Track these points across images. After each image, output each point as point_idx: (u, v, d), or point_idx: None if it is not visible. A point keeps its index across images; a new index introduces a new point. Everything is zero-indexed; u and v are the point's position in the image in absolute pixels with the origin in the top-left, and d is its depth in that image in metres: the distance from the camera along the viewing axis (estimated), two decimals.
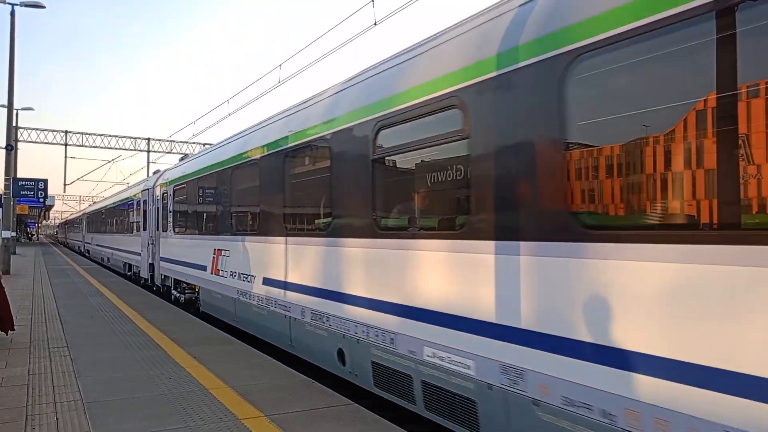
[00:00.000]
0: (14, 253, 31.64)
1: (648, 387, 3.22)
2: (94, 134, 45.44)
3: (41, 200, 26.49)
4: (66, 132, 44.66)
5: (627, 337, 3.33)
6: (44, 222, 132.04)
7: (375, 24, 11.65)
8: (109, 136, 45.77)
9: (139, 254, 18.56)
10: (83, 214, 45.44)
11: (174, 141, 47.20)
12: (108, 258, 28.10)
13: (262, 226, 8.60)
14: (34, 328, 9.73)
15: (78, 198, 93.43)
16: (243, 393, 5.95)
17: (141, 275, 18.33)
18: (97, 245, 34.56)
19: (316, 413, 5.33)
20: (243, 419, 5.14)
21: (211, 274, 10.86)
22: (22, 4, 22.61)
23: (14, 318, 9.09)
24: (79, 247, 49.39)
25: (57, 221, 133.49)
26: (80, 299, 14.02)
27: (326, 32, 13.94)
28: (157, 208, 15.91)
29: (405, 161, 5.67)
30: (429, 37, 5.56)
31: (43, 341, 8.65)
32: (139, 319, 10.85)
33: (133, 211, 20.17)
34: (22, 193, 24.02)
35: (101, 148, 46.05)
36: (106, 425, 4.96)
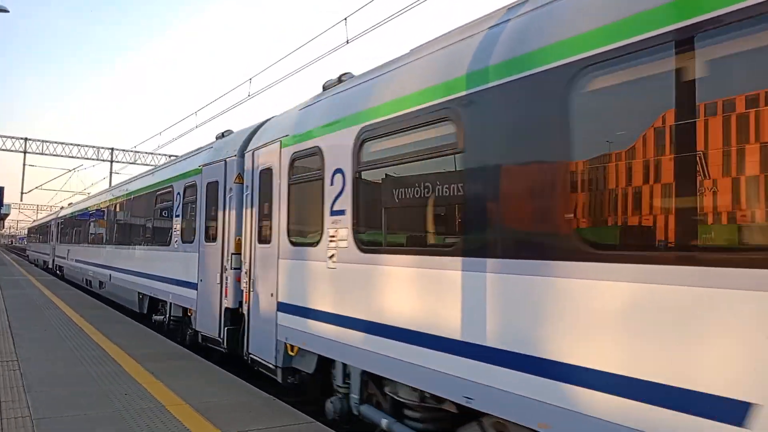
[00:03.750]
0: None
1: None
2: (56, 142, 44.27)
3: None
4: (26, 139, 43.41)
5: None
6: None
7: (347, 42, 11.75)
8: (71, 144, 44.64)
9: (195, 285, 9.70)
10: (54, 218, 33.90)
11: (138, 152, 46.36)
12: (103, 283, 17.97)
13: None
14: None
15: (36, 207, 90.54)
16: (202, 410, 5.81)
17: (199, 329, 9.49)
18: (77, 262, 22.99)
19: None
20: None
21: None
22: None
23: None
24: (45, 261, 37.98)
25: (12, 230, 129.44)
26: (34, 312, 13.51)
27: (298, 48, 14.02)
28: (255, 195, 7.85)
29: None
30: None
31: None
32: (95, 333, 10.52)
33: (173, 206, 11.44)
34: None
35: (62, 156, 44.88)
36: None
